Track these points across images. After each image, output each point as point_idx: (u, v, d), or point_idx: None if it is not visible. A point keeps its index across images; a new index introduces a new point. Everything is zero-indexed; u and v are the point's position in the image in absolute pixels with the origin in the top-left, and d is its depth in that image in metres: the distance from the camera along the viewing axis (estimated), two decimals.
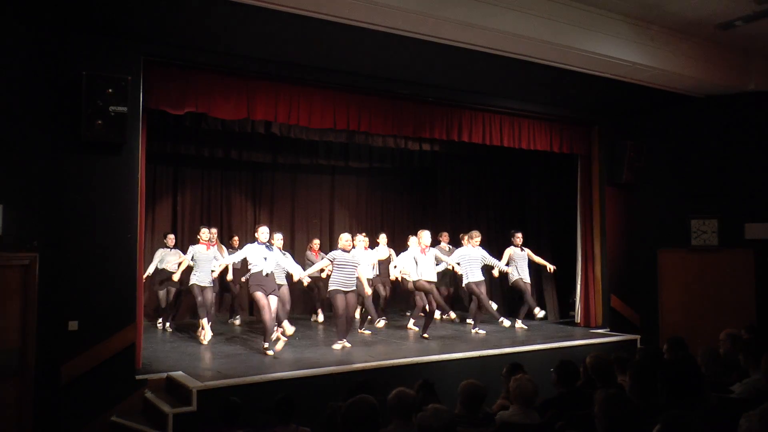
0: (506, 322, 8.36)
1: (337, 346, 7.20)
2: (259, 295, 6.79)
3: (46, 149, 5.64)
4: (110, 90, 5.59)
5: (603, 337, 8.39)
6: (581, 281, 9.41)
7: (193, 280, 7.94)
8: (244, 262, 7.33)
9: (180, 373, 5.98)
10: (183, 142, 9.37)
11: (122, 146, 5.91)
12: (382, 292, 9.62)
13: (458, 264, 8.43)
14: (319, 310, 9.87)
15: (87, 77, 5.55)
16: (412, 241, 8.52)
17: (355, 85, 7.34)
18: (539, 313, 8.78)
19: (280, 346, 6.73)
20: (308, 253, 9.79)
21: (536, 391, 3.64)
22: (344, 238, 7.38)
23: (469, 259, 8.46)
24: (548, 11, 6.39)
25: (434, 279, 8.03)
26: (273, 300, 6.90)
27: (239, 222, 10.75)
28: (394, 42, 6.24)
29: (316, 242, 9.86)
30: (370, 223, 11.72)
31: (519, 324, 8.95)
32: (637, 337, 8.61)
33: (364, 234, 8.90)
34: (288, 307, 7.85)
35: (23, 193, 5.47)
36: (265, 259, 6.89)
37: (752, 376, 4.16)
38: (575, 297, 9.60)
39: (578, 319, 9.40)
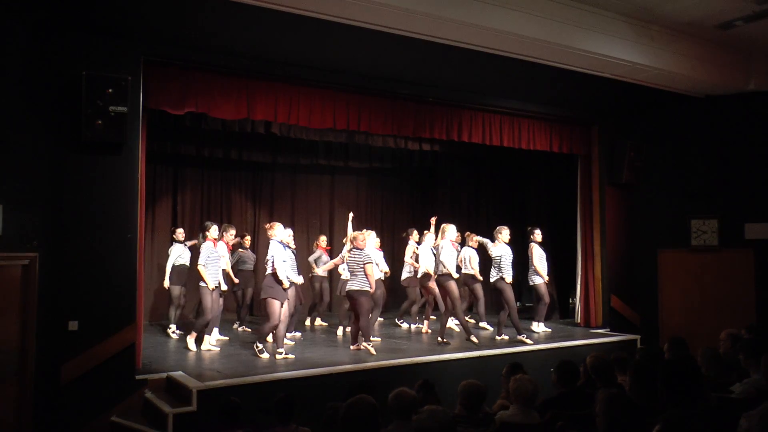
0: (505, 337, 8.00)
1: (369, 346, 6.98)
2: (277, 304, 6.66)
3: (46, 149, 5.65)
4: (110, 90, 5.59)
5: (603, 337, 8.39)
6: (581, 281, 9.41)
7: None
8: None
9: (180, 373, 5.98)
10: (183, 142, 9.37)
11: (122, 146, 5.91)
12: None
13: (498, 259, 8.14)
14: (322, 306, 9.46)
15: (87, 77, 5.55)
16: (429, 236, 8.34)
17: (355, 85, 7.34)
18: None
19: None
20: (317, 250, 9.26)
21: (536, 391, 3.64)
22: (360, 238, 7.12)
23: (507, 257, 8.16)
24: (548, 11, 6.39)
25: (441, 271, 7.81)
26: (284, 307, 6.85)
27: (239, 222, 10.74)
28: (394, 42, 6.24)
29: (323, 239, 9.63)
30: (370, 223, 11.70)
31: (543, 327, 8.61)
32: (637, 337, 8.62)
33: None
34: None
35: (23, 193, 5.47)
36: (283, 261, 6.78)
37: (752, 376, 4.16)
38: (575, 297, 9.60)
39: (578, 319, 9.40)
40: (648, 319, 9.22)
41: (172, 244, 8.67)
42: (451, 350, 7.14)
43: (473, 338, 7.42)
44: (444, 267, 7.51)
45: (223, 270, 7.72)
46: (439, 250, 7.64)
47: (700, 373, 3.49)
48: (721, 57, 8.03)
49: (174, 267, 8.46)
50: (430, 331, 8.64)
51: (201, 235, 7.90)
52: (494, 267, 8.17)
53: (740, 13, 6.90)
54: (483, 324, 8.89)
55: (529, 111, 8.66)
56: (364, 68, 7.17)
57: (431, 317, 8.92)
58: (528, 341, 7.71)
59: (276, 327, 6.74)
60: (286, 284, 6.79)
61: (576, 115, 9.09)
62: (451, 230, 7.77)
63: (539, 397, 3.76)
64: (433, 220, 8.84)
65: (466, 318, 8.80)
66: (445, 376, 6.15)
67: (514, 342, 7.72)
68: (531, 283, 8.62)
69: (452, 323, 8.20)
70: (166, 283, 8.43)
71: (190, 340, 7.30)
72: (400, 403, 3.20)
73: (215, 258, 7.37)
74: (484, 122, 8.41)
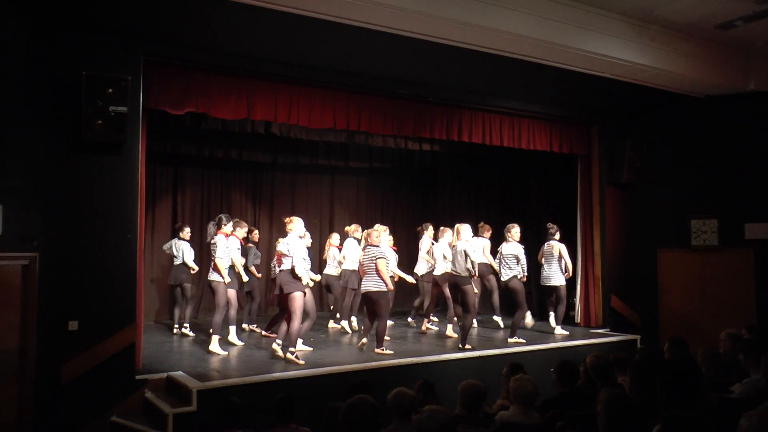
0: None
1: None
2: (301, 297, 6.39)
3: (46, 149, 5.64)
4: (110, 90, 5.59)
5: (603, 337, 8.39)
6: (581, 281, 9.40)
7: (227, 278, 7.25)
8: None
9: (180, 373, 5.98)
10: (183, 142, 9.36)
11: (122, 146, 5.91)
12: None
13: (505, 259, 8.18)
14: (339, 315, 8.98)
15: (87, 77, 5.55)
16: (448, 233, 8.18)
17: (355, 85, 7.34)
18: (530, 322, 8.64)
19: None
20: (333, 249, 9.16)
21: (536, 391, 3.64)
22: (374, 234, 6.97)
23: (511, 255, 8.16)
24: (548, 11, 6.39)
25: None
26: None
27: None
28: (394, 42, 6.24)
29: (336, 236, 9.54)
30: (371, 223, 11.68)
31: (559, 329, 8.51)
32: (637, 337, 8.61)
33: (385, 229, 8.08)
34: None
35: (23, 193, 5.47)
36: (303, 259, 6.57)
37: (752, 376, 4.16)
38: (575, 297, 9.60)
39: (578, 319, 9.39)
40: (648, 319, 9.22)
41: (176, 241, 8.52)
42: (451, 350, 7.14)
43: (467, 345, 7.19)
44: (466, 270, 7.20)
45: (244, 266, 7.97)
46: (457, 252, 7.29)
47: (700, 373, 3.49)
48: (721, 57, 8.02)
49: (186, 264, 8.41)
50: (432, 329, 8.65)
51: (215, 227, 7.69)
52: (504, 265, 8.19)
53: (740, 13, 6.90)
54: (497, 318, 8.93)
55: (529, 111, 8.66)
56: (364, 68, 7.17)
57: (431, 316, 8.93)
58: (521, 341, 7.72)
59: (302, 323, 6.46)
60: (306, 282, 6.52)
61: (576, 115, 9.09)
62: (465, 231, 7.41)
63: (539, 397, 3.77)
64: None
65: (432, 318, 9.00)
66: (445, 376, 6.15)
67: (513, 342, 7.73)
68: (549, 283, 8.45)
69: (450, 330, 8.19)
70: (189, 287, 8.44)
71: (214, 345, 6.98)
72: (399, 403, 3.20)
73: (230, 252, 7.30)
74: (484, 122, 8.41)
